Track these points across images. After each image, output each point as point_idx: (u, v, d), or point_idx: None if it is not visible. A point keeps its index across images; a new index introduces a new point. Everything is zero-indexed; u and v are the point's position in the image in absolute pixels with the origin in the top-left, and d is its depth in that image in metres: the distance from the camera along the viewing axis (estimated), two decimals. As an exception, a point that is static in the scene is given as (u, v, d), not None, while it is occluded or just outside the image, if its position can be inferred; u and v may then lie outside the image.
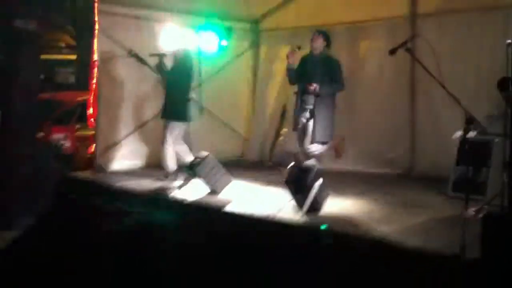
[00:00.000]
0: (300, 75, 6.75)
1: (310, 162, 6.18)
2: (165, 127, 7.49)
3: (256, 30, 10.25)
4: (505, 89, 5.43)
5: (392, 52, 4.83)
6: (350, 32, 8.93)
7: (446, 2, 7.87)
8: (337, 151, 7.01)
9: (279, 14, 9.88)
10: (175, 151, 7.45)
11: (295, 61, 6.81)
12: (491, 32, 7.33)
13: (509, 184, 3.99)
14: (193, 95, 8.00)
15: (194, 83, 8.00)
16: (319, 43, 6.71)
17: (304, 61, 6.83)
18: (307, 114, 6.63)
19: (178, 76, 7.55)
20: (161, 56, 7.69)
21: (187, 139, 7.70)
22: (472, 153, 5.92)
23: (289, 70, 6.83)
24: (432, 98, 7.73)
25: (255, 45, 10.25)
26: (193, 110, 7.78)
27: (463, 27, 7.73)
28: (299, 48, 6.82)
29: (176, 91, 7.49)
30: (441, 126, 7.74)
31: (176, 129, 7.45)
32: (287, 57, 6.81)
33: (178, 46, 7.86)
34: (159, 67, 7.68)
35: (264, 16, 10.09)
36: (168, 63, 7.76)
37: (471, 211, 5.17)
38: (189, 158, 7.32)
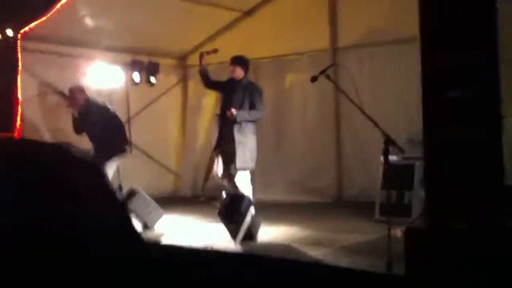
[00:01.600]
0: (221, 100, 6.82)
1: (239, 190, 6.24)
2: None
3: (184, 65, 10.35)
4: None
5: (314, 79, 5.04)
6: (276, 65, 9.22)
7: (364, 37, 8.30)
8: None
9: (207, 49, 10.01)
10: None
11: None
12: (408, 62, 7.74)
13: (427, 202, 4.22)
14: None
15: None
16: (238, 72, 6.76)
17: (226, 86, 6.86)
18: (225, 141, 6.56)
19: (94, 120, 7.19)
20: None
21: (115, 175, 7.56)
22: (395, 177, 6.18)
23: (201, 72, 6.90)
24: (356, 125, 8.06)
25: (183, 80, 10.33)
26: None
27: (381, 58, 8.17)
28: (215, 51, 6.91)
29: (97, 134, 7.22)
30: (366, 152, 8.05)
31: (113, 166, 7.23)
32: (200, 58, 6.90)
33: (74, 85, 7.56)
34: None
35: (191, 51, 10.22)
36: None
37: (398, 232, 5.38)
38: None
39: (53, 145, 0.78)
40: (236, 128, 6.47)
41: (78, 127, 7.31)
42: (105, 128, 7.19)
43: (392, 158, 5.85)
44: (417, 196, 6.33)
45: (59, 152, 0.74)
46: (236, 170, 6.46)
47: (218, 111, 6.92)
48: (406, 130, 7.23)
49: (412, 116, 7.50)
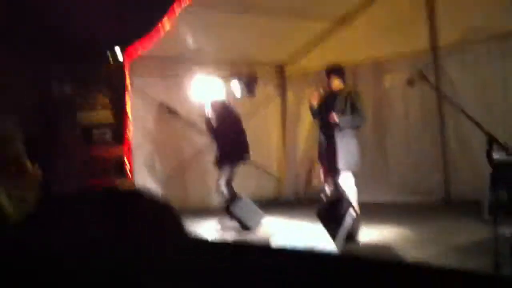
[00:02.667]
0: (322, 110, 6.81)
1: (341, 193, 6.25)
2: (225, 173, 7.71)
3: (282, 76, 10.53)
4: None
5: (410, 82, 4.97)
6: (374, 70, 9.12)
7: (464, 35, 8.00)
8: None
9: (303, 58, 10.15)
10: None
11: (318, 102, 6.91)
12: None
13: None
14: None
15: None
16: (336, 83, 6.76)
17: (327, 96, 6.89)
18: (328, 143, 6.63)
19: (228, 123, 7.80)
20: None
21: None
22: (505, 176, 5.91)
23: (312, 112, 6.95)
24: (461, 123, 7.76)
25: (282, 90, 10.51)
26: None
27: (483, 56, 7.85)
28: (324, 89, 6.90)
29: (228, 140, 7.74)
30: (473, 152, 7.73)
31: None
32: (309, 101, 6.95)
33: (213, 98, 8.12)
34: None
35: (288, 60, 10.37)
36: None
37: (509, 233, 5.15)
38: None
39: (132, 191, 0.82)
40: (336, 131, 6.51)
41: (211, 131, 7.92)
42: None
43: (499, 156, 5.61)
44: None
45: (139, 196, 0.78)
46: (339, 172, 6.47)
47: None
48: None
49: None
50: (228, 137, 7.73)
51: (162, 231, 0.74)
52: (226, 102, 8.11)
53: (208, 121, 7.94)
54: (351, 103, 6.62)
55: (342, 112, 6.55)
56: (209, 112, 7.95)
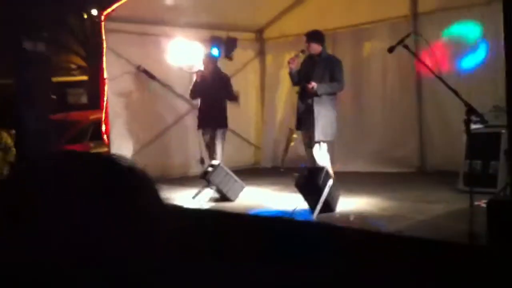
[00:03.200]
0: (301, 76, 6.78)
1: (319, 163, 6.27)
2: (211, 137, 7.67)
3: (261, 39, 10.40)
4: None
5: (391, 50, 4.93)
6: (353, 35, 9.06)
7: (445, 1, 7.96)
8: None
9: (283, 22, 10.02)
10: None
11: (297, 66, 6.87)
12: (493, 25, 7.40)
13: (509, 170, 4.06)
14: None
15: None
16: (314, 47, 6.71)
17: (305, 62, 6.87)
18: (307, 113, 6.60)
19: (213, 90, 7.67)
20: None
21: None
22: (480, 146, 5.97)
23: (291, 75, 6.90)
24: (439, 93, 7.80)
25: (261, 54, 10.39)
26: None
27: (463, 22, 7.83)
28: (303, 51, 6.86)
29: (212, 103, 7.65)
30: (449, 121, 7.81)
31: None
32: (288, 63, 6.87)
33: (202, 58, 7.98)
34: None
35: (268, 25, 10.23)
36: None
37: (482, 203, 5.23)
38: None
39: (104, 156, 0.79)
40: (315, 100, 6.49)
41: (195, 92, 7.80)
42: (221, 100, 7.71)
43: (476, 126, 5.66)
44: (503, 166, 6.08)
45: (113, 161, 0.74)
46: (314, 141, 6.49)
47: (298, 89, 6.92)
48: (492, 96, 6.93)
49: (497, 82, 7.18)
50: (215, 101, 7.62)
51: (134, 199, 0.70)
52: (219, 66, 7.96)
53: (195, 82, 7.78)
54: (329, 69, 6.60)
55: (321, 78, 6.52)
56: (199, 73, 7.79)
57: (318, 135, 6.47)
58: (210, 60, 7.89)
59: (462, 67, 7.63)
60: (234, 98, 7.87)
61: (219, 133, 7.66)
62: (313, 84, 6.42)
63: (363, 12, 8.79)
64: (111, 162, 0.75)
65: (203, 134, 7.85)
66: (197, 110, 7.98)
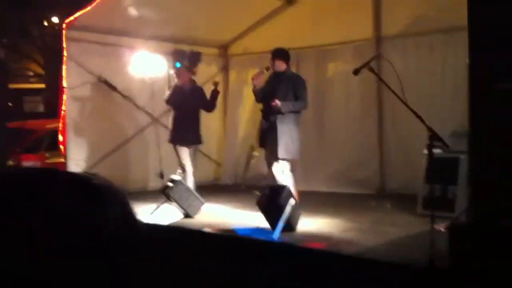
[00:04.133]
0: (265, 93, 6.73)
1: (281, 182, 6.23)
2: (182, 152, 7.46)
3: (225, 54, 10.37)
4: None
5: (356, 72, 4.95)
6: (318, 55, 9.13)
7: (409, 26, 8.11)
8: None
9: (247, 39, 10.03)
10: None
11: (261, 82, 6.82)
12: (453, 52, 7.58)
13: (471, 196, 4.10)
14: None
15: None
16: (279, 65, 6.68)
17: (270, 79, 6.84)
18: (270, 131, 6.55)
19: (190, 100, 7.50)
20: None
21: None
22: (440, 171, 6.04)
23: (254, 92, 6.85)
24: (400, 117, 7.92)
25: (225, 69, 10.35)
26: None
27: (426, 48, 7.98)
28: (267, 68, 6.82)
29: (188, 116, 7.48)
30: (409, 145, 7.93)
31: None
32: (253, 79, 6.83)
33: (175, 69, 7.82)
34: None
35: (232, 41, 10.22)
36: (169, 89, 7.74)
37: (441, 226, 5.27)
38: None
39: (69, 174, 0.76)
40: (279, 118, 6.44)
41: (170, 100, 7.59)
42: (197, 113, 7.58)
43: (436, 151, 5.73)
44: (461, 190, 6.18)
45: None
46: (277, 160, 6.43)
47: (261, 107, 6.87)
48: (451, 122, 7.06)
49: (457, 108, 7.33)
50: (191, 115, 7.47)
51: (105, 216, 0.70)
52: (197, 83, 7.80)
53: (172, 95, 7.60)
54: (293, 87, 6.59)
55: (284, 95, 6.49)
56: (176, 87, 7.63)
57: (281, 152, 6.42)
58: (185, 71, 7.71)
59: (422, 91, 7.75)
60: (212, 105, 7.74)
61: (193, 149, 7.51)
62: (277, 102, 6.38)
63: (328, 33, 8.87)
64: (85, 181, 0.72)
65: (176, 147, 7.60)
66: (171, 123, 7.69)
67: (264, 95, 6.72)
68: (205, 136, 9.94)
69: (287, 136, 6.44)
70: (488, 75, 3.78)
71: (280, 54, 6.74)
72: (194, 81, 7.79)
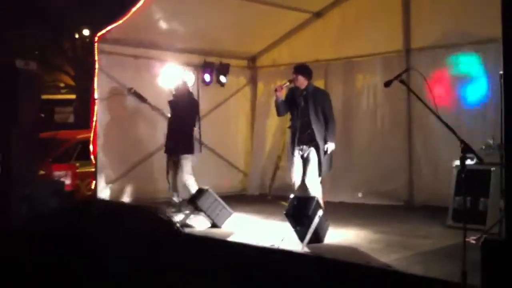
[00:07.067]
0: (290, 109, 6.80)
1: (310, 193, 6.25)
2: (174, 162, 7.63)
3: (253, 66, 10.44)
4: None
5: (388, 84, 4.92)
6: (346, 67, 9.11)
7: (438, 38, 8.05)
8: None
9: (276, 51, 10.09)
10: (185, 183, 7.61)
11: (283, 95, 6.91)
12: (483, 64, 7.51)
13: (506, 212, 4.03)
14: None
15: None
16: (301, 81, 6.71)
17: (292, 94, 6.85)
18: (304, 151, 6.68)
19: (184, 111, 7.71)
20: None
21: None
22: (471, 183, 5.97)
23: (276, 103, 6.90)
24: (429, 128, 7.87)
25: (253, 81, 10.42)
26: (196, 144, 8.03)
27: (456, 60, 7.92)
28: (290, 81, 6.86)
29: (182, 126, 7.63)
30: (438, 157, 7.86)
31: (189, 162, 7.64)
32: (276, 90, 6.88)
33: (178, 82, 8.01)
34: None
35: (261, 53, 10.29)
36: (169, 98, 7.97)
37: (472, 240, 5.21)
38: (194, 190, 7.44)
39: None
40: (317, 137, 6.53)
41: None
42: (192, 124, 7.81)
43: (467, 163, 5.67)
44: (493, 203, 6.10)
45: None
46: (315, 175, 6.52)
47: (289, 123, 6.95)
48: (482, 133, 6.99)
49: (488, 120, 7.26)
50: (182, 127, 7.63)
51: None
52: (190, 91, 7.98)
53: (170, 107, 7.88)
54: (321, 104, 6.64)
55: (315, 115, 6.59)
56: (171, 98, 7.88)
57: (323, 170, 6.61)
58: (185, 87, 7.90)
59: (455, 103, 7.69)
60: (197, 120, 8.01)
61: (183, 159, 7.62)
62: (331, 147, 6.62)
63: (356, 45, 8.87)
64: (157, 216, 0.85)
65: (168, 159, 7.81)
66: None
67: (290, 111, 6.77)
68: (233, 146, 10.07)
69: (325, 153, 6.57)
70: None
71: (303, 69, 6.79)
72: (191, 96, 7.99)
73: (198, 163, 8.09)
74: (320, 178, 6.60)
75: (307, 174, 6.53)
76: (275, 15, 8.89)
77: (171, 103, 7.91)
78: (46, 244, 0.81)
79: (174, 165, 7.75)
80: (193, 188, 7.49)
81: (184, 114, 7.73)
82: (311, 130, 6.57)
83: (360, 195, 8.14)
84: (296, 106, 6.68)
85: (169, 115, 8.01)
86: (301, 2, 8.93)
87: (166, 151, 7.89)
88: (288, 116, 6.96)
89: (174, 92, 7.93)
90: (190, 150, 7.74)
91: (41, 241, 0.81)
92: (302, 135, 6.61)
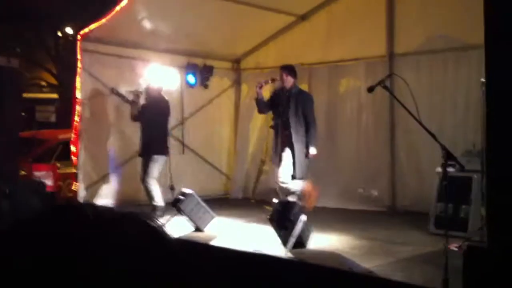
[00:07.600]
0: (272, 108, 6.88)
1: (292, 197, 6.23)
2: (145, 164, 7.54)
3: (237, 68, 10.41)
4: None
5: (371, 89, 4.94)
6: (330, 71, 9.12)
7: (422, 43, 8.10)
8: (308, 202, 7.06)
9: (260, 53, 10.07)
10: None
11: (264, 93, 6.98)
12: (467, 70, 7.57)
13: (487, 219, 4.05)
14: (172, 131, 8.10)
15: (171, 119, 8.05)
16: (289, 80, 6.87)
17: (277, 94, 6.93)
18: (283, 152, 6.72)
19: (156, 112, 7.60)
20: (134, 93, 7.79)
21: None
22: (452, 190, 6.00)
23: (257, 101, 6.96)
24: (412, 134, 7.90)
25: (237, 83, 10.39)
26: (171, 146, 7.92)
27: (438, 66, 7.97)
28: (272, 80, 6.94)
29: (154, 127, 7.54)
30: (421, 163, 7.90)
31: (157, 165, 7.49)
32: (257, 87, 6.95)
33: (150, 83, 7.90)
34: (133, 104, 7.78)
35: (245, 55, 10.27)
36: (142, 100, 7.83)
37: (453, 247, 5.23)
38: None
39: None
40: (294, 138, 6.57)
41: (136, 116, 7.68)
42: (165, 126, 7.67)
43: (449, 170, 5.70)
44: (474, 210, 6.13)
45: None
46: (294, 178, 6.53)
47: (272, 123, 7.00)
48: (463, 140, 7.04)
49: (469, 127, 7.31)
50: (154, 128, 7.54)
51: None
52: (161, 92, 7.87)
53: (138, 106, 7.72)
54: (302, 105, 6.71)
55: (295, 114, 6.66)
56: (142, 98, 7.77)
57: (299, 173, 6.68)
58: (156, 89, 7.77)
59: (435, 109, 7.72)
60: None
61: (152, 161, 7.51)
62: (313, 154, 6.73)
63: (340, 50, 8.89)
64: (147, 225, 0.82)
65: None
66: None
67: (273, 110, 6.84)
68: (216, 149, 10.02)
69: (301, 157, 6.61)
70: (505, 93, 3.76)
71: (290, 70, 6.91)
72: (162, 98, 7.84)
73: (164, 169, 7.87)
74: (301, 182, 6.64)
75: (279, 173, 6.61)
76: (260, 17, 8.87)
77: (143, 106, 7.72)
78: (28, 249, 0.77)
79: (143, 168, 7.63)
80: (155, 193, 7.37)
81: (157, 118, 7.57)
82: (289, 131, 6.63)
83: (361, 190, 8.16)
84: (278, 105, 6.75)
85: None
86: (286, 5, 8.93)
87: (140, 154, 7.75)
88: (270, 115, 7.05)
89: (145, 96, 7.77)
90: (162, 151, 7.57)
91: (23, 246, 0.78)
92: (282, 135, 6.65)
